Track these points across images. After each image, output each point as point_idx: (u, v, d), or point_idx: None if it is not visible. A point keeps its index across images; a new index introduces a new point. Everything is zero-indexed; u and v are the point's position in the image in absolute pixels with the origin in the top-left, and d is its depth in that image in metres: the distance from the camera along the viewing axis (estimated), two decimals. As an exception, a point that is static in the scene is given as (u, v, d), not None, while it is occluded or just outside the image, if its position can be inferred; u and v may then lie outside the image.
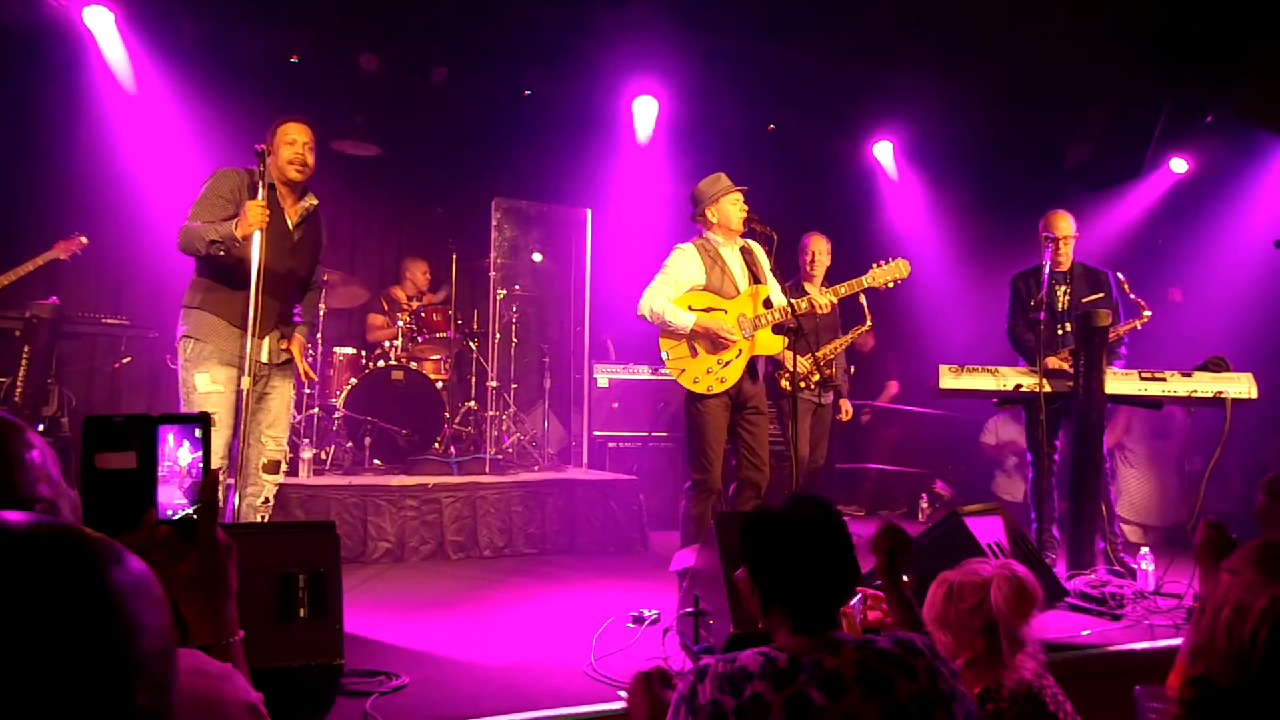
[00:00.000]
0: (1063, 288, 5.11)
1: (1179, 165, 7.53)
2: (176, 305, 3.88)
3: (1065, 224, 5.06)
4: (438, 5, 6.15)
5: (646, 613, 3.67)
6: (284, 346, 3.96)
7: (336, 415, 5.93)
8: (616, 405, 6.81)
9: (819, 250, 5.53)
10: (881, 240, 7.52)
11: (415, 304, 6.71)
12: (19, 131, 6.04)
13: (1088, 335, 4.53)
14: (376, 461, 5.89)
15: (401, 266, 7.13)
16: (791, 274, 5.53)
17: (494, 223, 6.92)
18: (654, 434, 6.79)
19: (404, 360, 6.21)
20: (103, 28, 5.89)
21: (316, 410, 5.93)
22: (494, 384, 6.48)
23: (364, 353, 6.38)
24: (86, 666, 0.62)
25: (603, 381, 6.82)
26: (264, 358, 3.82)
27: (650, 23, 6.13)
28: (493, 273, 6.77)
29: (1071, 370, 4.65)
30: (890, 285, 4.60)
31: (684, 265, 4.47)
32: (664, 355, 4.47)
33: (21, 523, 0.67)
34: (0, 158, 6.02)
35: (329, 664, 2.59)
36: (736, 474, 4.53)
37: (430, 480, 5.32)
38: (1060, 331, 5.03)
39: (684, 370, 4.40)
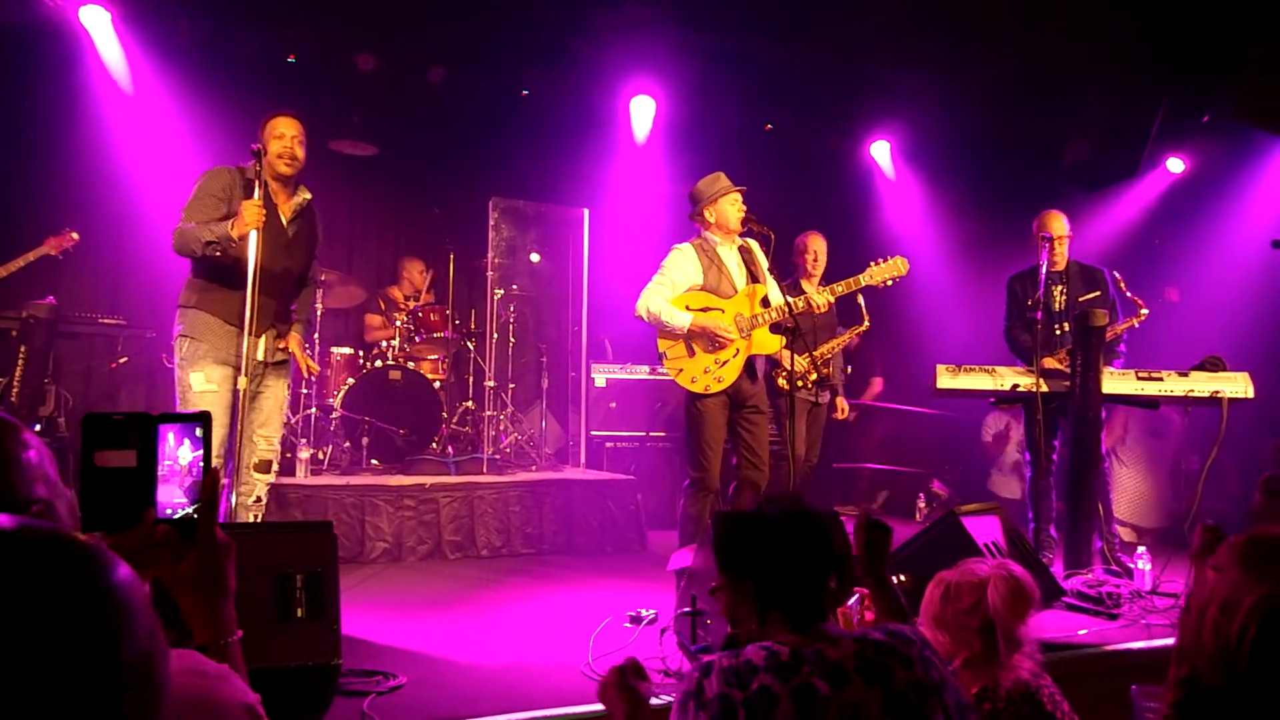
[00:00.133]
0: (1059, 288, 5.11)
1: (1176, 165, 7.54)
2: (173, 305, 3.87)
3: (1060, 224, 5.06)
4: (435, 5, 6.14)
5: (644, 612, 3.67)
6: (280, 345, 3.95)
7: (334, 415, 5.93)
8: (614, 405, 6.81)
9: (820, 250, 5.53)
10: (879, 240, 7.52)
11: (412, 304, 6.70)
12: (15, 131, 6.03)
13: (1085, 335, 4.53)
14: (374, 461, 5.89)
15: (399, 266, 7.13)
16: (789, 273, 5.53)
17: (491, 222, 6.92)
18: (651, 434, 6.78)
19: (401, 360, 6.20)
20: (99, 27, 5.88)
21: (314, 410, 5.92)
22: (491, 384, 6.48)
23: (361, 353, 6.37)
24: (75, 671, 0.62)
25: (600, 381, 6.82)
26: (260, 356, 3.82)
27: (647, 22, 6.13)
28: (490, 272, 6.77)
29: (1069, 370, 4.66)
30: (888, 284, 4.60)
31: (681, 266, 4.48)
32: (662, 355, 4.47)
33: (9, 527, 0.67)
34: (-3, 157, 6.03)
35: (326, 664, 2.59)
36: (736, 473, 4.53)
37: (428, 480, 5.32)
38: (1058, 331, 5.03)
39: (682, 370, 4.40)
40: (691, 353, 4.40)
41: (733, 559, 1.77)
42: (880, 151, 8.01)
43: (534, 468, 6.29)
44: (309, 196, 3.99)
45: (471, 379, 6.57)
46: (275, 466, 3.98)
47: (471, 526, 5.26)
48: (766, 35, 6.41)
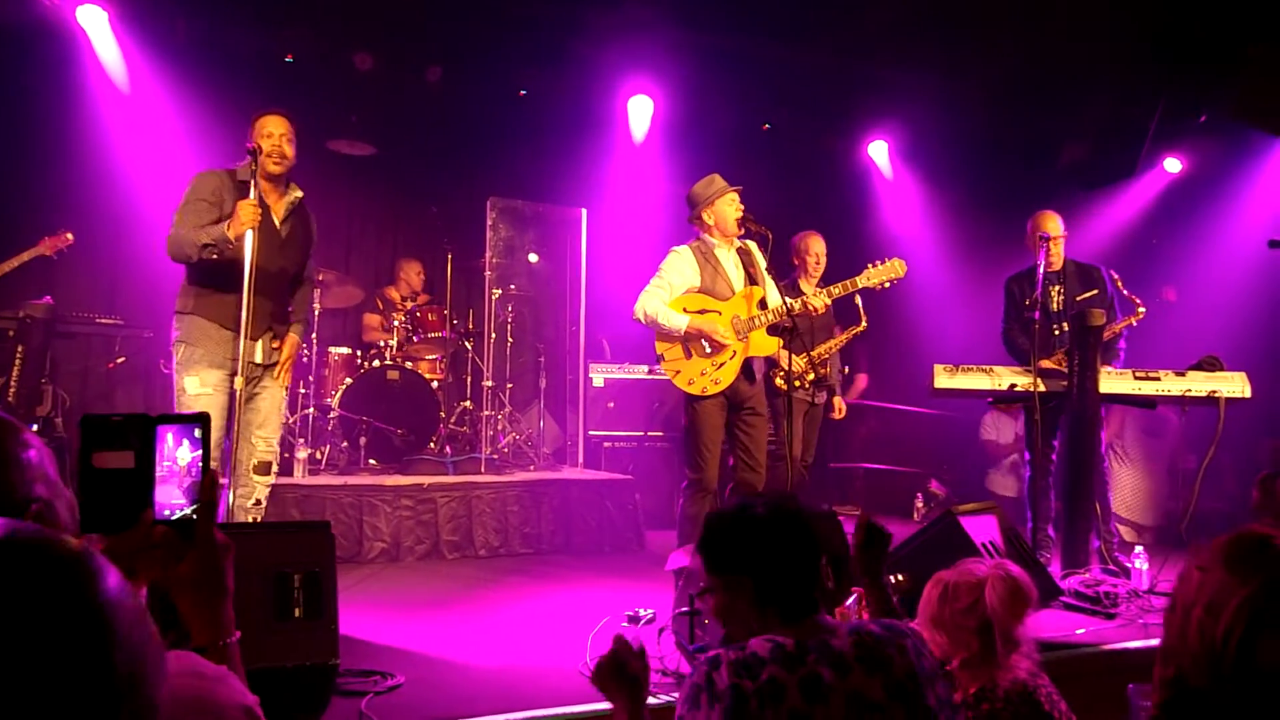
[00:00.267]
0: (1056, 288, 5.11)
1: (1173, 165, 7.55)
2: (170, 304, 3.86)
3: (1055, 224, 5.07)
4: (433, 5, 6.14)
5: (642, 612, 3.68)
6: (275, 346, 3.94)
7: (332, 415, 5.92)
8: (612, 405, 6.80)
9: (821, 251, 5.53)
10: (876, 239, 7.52)
11: (410, 304, 6.70)
12: (12, 130, 6.02)
13: (1082, 334, 4.54)
14: (372, 461, 5.88)
15: (396, 267, 7.13)
16: (786, 273, 5.53)
17: (489, 222, 6.91)
18: (649, 433, 6.78)
19: (399, 360, 6.20)
20: (96, 27, 5.87)
21: (312, 410, 5.92)
22: (489, 384, 6.48)
23: (359, 352, 6.37)
24: (68, 683, 0.61)
25: (598, 381, 6.82)
26: (257, 358, 3.81)
27: (645, 22, 6.13)
28: (488, 272, 6.76)
29: (1066, 370, 4.66)
30: (885, 286, 4.60)
31: (679, 268, 4.48)
32: (660, 357, 4.48)
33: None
34: (-6, 157, 6.02)
35: (324, 664, 2.59)
36: (733, 475, 4.53)
37: (426, 480, 5.32)
38: (1056, 332, 5.02)
39: (679, 372, 4.41)
40: (688, 355, 4.41)
41: (728, 558, 1.78)
42: (878, 151, 8.01)
43: (532, 468, 6.29)
44: (300, 195, 3.96)
45: (469, 379, 6.57)
46: (275, 468, 3.97)
47: (469, 526, 5.26)
48: (764, 35, 6.41)
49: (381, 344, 6.33)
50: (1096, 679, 3.18)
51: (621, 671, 1.82)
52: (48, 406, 5.57)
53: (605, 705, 2.70)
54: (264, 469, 3.87)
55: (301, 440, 5.62)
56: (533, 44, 6.47)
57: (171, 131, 6.07)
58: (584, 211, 7.26)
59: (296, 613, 2.62)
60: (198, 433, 1.18)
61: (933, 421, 7.62)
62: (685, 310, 4.41)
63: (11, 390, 5.39)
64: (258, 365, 3.83)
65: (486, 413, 6.40)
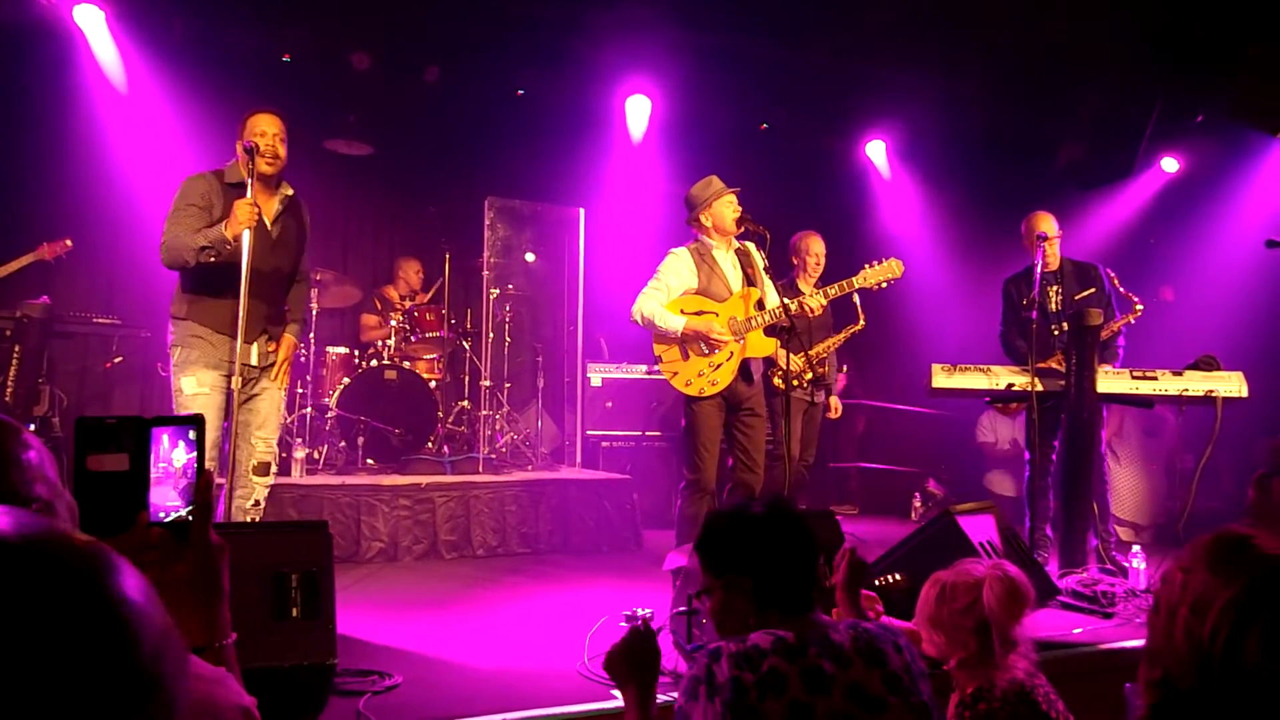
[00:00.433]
0: (1055, 288, 5.10)
1: (1170, 165, 7.56)
2: (168, 304, 3.85)
3: (1051, 223, 5.06)
4: (430, 4, 6.14)
5: (640, 612, 3.66)
6: (271, 349, 3.92)
7: (329, 415, 5.92)
8: (610, 404, 6.80)
9: (821, 252, 5.53)
10: (874, 239, 7.53)
11: (408, 304, 6.70)
12: (8, 130, 6.01)
13: (1079, 334, 4.54)
14: (370, 461, 5.88)
15: (394, 267, 7.13)
16: (784, 273, 5.53)
17: (487, 222, 6.91)
18: (647, 433, 6.78)
19: (397, 360, 6.19)
20: (93, 26, 5.86)
21: (309, 410, 5.91)
22: (487, 383, 6.47)
23: (357, 352, 6.37)
24: (91, 684, 0.59)
25: (596, 381, 6.82)
26: (254, 361, 3.79)
27: (643, 21, 6.13)
28: (486, 272, 6.76)
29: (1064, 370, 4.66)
30: (883, 286, 4.60)
31: (676, 270, 4.49)
32: (657, 358, 4.48)
33: (9, 531, 0.63)
34: (-9, 157, 6.01)
35: (322, 664, 2.59)
36: (731, 475, 4.53)
37: (423, 480, 5.31)
38: (1056, 332, 5.01)
39: (677, 373, 4.41)
40: (686, 356, 4.41)
41: (727, 558, 1.81)
42: (875, 151, 8.01)
43: (530, 467, 6.29)
44: (290, 192, 3.93)
45: (467, 379, 6.57)
46: (274, 469, 3.96)
47: (467, 526, 5.26)
48: (762, 35, 6.42)
49: (379, 344, 6.33)
50: (1094, 678, 3.18)
51: (635, 658, 1.86)
52: (45, 406, 5.56)
53: (602, 705, 2.71)
54: (263, 470, 3.86)
55: (299, 440, 5.61)
56: (531, 44, 6.46)
57: (169, 131, 6.06)
58: (582, 211, 7.26)
59: (294, 612, 2.62)
60: (193, 434, 1.18)
61: (931, 421, 7.62)
62: (682, 312, 4.41)
63: (9, 390, 5.39)
64: (254, 368, 3.81)
65: (484, 412, 6.39)
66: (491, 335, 6.64)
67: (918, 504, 7.23)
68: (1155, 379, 4.61)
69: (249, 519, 3.79)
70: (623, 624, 3.61)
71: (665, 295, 4.44)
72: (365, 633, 3.45)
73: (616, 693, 2.72)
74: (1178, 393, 4.58)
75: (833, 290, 4.60)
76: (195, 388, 3.67)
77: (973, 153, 7.62)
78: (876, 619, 2.59)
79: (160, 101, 6.09)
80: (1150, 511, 6.46)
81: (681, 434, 4.59)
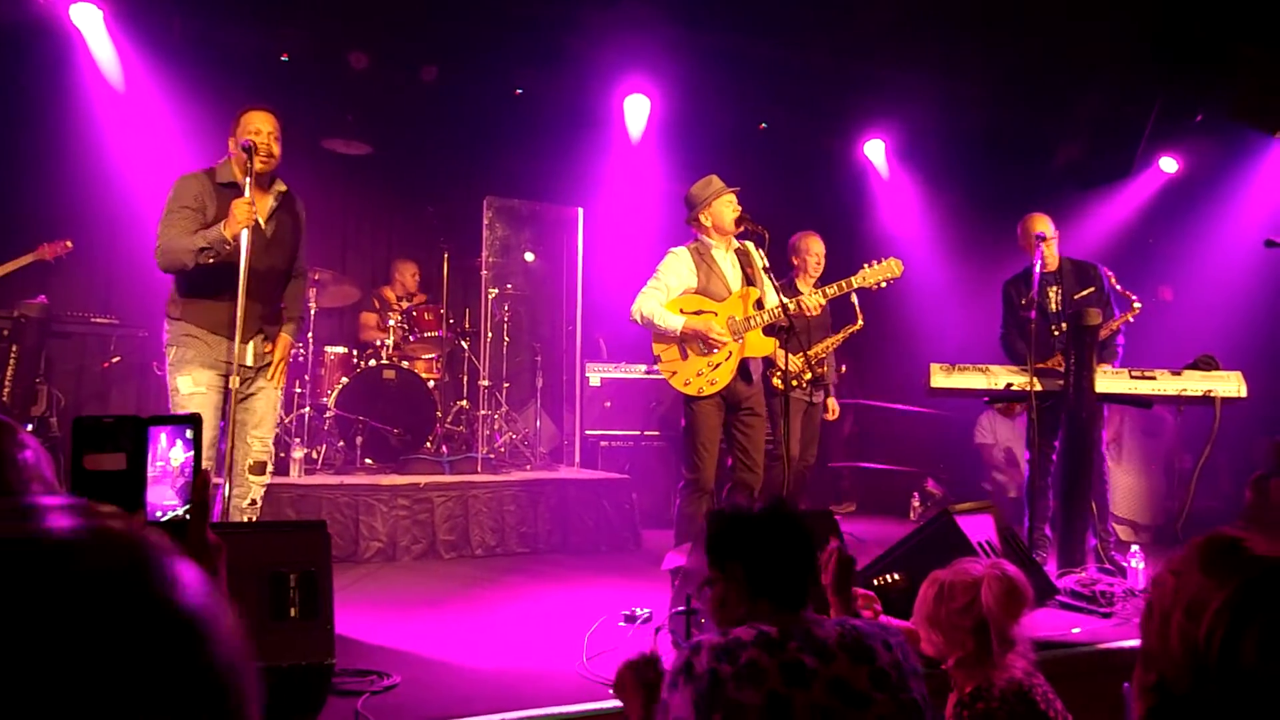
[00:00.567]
0: (1054, 288, 5.10)
1: (1169, 164, 7.56)
2: (165, 303, 3.84)
3: (1048, 224, 5.06)
4: (429, 3, 6.13)
5: (639, 611, 3.67)
6: (267, 349, 3.90)
7: (328, 414, 5.92)
8: (609, 404, 6.80)
9: (821, 252, 5.53)
10: (873, 238, 7.53)
11: (406, 303, 6.69)
12: (6, 129, 6.00)
13: (1078, 334, 4.54)
14: (368, 461, 5.88)
15: (392, 266, 7.12)
16: (783, 272, 5.53)
17: (486, 222, 6.91)
18: (646, 433, 6.78)
19: (396, 359, 6.19)
20: (91, 25, 5.85)
21: (308, 409, 5.91)
22: (486, 383, 6.47)
23: (355, 352, 6.36)
24: (172, 689, 0.54)
25: (595, 380, 6.82)
26: (249, 361, 3.78)
27: (642, 21, 6.13)
28: (485, 272, 6.76)
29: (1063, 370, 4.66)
30: (881, 285, 4.60)
31: (675, 269, 4.48)
32: (656, 358, 4.48)
33: (75, 530, 0.56)
34: (-11, 156, 6.00)
35: (320, 664, 2.58)
36: (730, 475, 4.53)
37: (422, 479, 5.31)
38: (1055, 332, 5.01)
39: (675, 373, 4.41)
40: (685, 356, 4.41)
41: (725, 546, 1.86)
42: (874, 151, 8.01)
43: (529, 467, 6.29)
44: (284, 189, 3.91)
45: (466, 378, 6.57)
46: (270, 468, 3.95)
47: (466, 526, 5.26)
48: (760, 34, 6.42)
49: (378, 343, 6.33)
50: (1092, 678, 3.18)
51: (641, 680, 1.90)
52: (43, 406, 5.56)
53: (601, 705, 2.71)
54: (259, 469, 3.85)
55: (297, 440, 5.61)
56: (529, 43, 6.46)
57: (166, 130, 6.05)
58: (580, 210, 7.26)
59: (292, 612, 2.62)
60: (190, 433, 1.18)
61: (929, 421, 7.62)
62: (681, 311, 4.41)
63: (6, 390, 5.39)
64: (250, 368, 3.80)
65: (483, 412, 6.39)
66: (490, 335, 6.64)
67: (916, 504, 7.23)
68: (1154, 379, 4.61)
69: (245, 518, 3.79)
70: (621, 624, 3.62)
71: (664, 295, 4.44)
72: (363, 633, 3.45)
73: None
74: (1176, 393, 4.58)
75: (831, 290, 4.60)
76: (191, 387, 3.67)
77: (972, 152, 7.62)
78: (875, 618, 2.59)
79: (158, 101, 6.08)
80: (1149, 511, 6.46)
81: (680, 434, 4.59)
